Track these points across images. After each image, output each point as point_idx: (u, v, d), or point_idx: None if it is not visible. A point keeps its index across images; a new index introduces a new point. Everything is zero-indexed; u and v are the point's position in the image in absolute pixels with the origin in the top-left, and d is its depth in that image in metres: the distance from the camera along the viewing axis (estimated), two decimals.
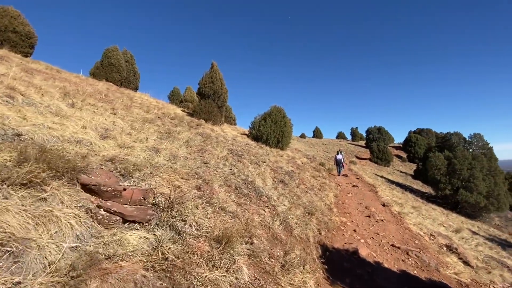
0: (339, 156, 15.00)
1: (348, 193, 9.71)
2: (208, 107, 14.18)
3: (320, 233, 4.64)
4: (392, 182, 22.04)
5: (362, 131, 54.64)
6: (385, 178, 23.32)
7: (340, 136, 62.46)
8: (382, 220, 6.42)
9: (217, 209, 3.40)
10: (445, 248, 5.70)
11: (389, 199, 10.32)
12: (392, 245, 4.83)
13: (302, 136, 51.14)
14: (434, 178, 20.54)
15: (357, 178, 14.72)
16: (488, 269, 5.41)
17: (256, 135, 14.78)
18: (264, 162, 8.12)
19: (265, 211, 4.28)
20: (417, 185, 26.58)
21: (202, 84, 14.73)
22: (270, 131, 14.51)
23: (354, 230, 5.45)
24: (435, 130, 45.21)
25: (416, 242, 5.21)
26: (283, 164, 9.43)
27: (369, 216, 6.67)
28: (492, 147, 19.87)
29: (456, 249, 5.60)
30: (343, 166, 15.00)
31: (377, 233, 5.40)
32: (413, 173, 30.77)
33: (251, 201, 4.44)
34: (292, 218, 4.48)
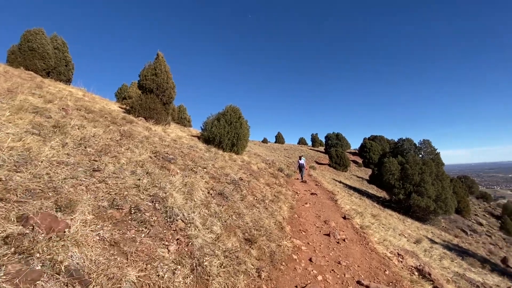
0: (301, 161, 15.21)
1: (306, 203, 8.51)
2: (150, 103, 12.07)
3: (259, 275, 3.12)
4: (350, 187, 21.95)
5: (322, 137, 56.02)
6: (343, 183, 23.24)
7: (301, 142, 63.42)
8: (344, 240, 5.20)
9: (35, 268, 1.66)
10: (417, 273, 4.65)
11: (349, 208, 9.40)
12: (358, 282, 3.55)
13: (264, 141, 50.49)
14: (389, 183, 20.89)
15: (316, 185, 13.83)
16: None
17: (207, 137, 13.04)
18: (204, 168, 6.46)
19: (168, 250, 2.62)
20: (373, 189, 27.20)
21: (143, 76, 12.60)
22: (224, 133, 12.91)
23: (310, 260, 4.08)
24: (386, 137, 48.09)
25: (387, 272, 4.03)
26: (231, 171, 7.87)
27: (328, 235, 5.42)
28: (439, 152, 20.92)
29: (430, 274, 4.59)
30: (303, 170, 15.26)
31: (339, 262, 4.10)
32: (368, 178, 31.70)
33: (149, 232, 2.75)
34: (216, 256, 2.89)
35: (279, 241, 4.33)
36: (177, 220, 3.25)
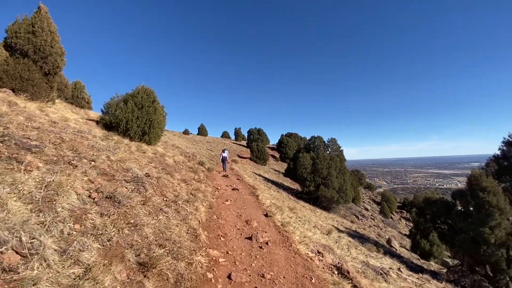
0: (225, 154, 15.60)
1: (227, 200, 7.76)
2: (22, 70, 8.86)
3: None
4: (268, 180, 22.69)
5: (245, 132, 57.05)
6: (262, 176, 23.88)
7: (225, 135, 63.02)
8: (267, 244, 4.66)
9: None
10: (336, 272, 4.55)
11: (269, 202, 9.20)
12: None
13: (186, 132, 47.51)
14: (302, 176, 22.57)
15: (238, 179, 13.35)
16: None
17: (109, 121, 10.58)
18: (92, 161, 4.75)
19: None
20: (288, 182, 29.14)
21: (13, 32, 9.18)
22: (132, 118, 10.73)
23: (229, 276, 3.28)
24: (300, 134, 52.89)
25: (313, 280, 3.65)
26: (136, 165, 6.30)
27: (250, 238, 4.78)
28: (343, 149, 23.97)
29: (348, 272, 4.56)
30: (226, 163, 15.57)
31: (263, 275, 3.47)
32: (284, 172, 33.93)
33: None
34: None
35: (191, 257, 3.34)
36: (2, 253, 1.83)
